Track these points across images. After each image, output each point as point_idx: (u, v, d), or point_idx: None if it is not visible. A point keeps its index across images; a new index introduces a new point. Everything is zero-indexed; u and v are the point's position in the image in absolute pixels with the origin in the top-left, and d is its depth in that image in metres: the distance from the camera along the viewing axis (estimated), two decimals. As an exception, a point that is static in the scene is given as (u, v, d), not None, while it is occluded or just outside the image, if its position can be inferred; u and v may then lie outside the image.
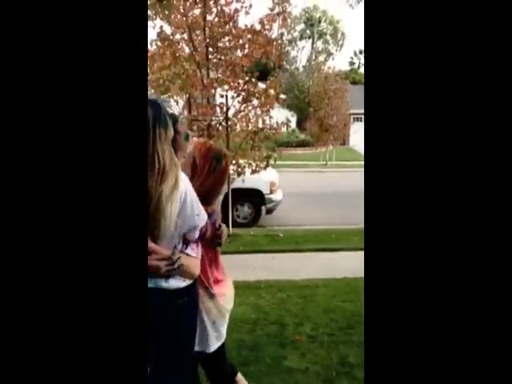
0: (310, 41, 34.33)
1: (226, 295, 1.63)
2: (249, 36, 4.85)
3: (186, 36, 4.86)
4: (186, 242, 1.43)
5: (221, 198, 5.08)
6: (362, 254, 3.43)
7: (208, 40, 4.79)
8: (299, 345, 2.44)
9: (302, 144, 20.27)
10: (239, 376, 1.77)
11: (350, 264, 4.07)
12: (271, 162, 5.46)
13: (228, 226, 5.43)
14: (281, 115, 8.50)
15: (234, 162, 5.12)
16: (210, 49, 4.88)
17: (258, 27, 4.89)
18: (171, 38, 4.83)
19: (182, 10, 4.68)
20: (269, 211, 6.30)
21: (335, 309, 2.93)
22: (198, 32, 4.85)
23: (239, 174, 5.23)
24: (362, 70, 36.68)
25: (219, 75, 5.00)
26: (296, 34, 33.65)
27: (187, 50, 4.97)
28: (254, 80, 5.07)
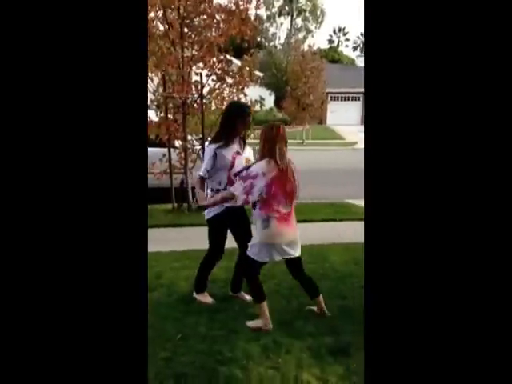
0: (289, 17, 33.93)
1: None
2: (223, 16, 4.98)
3: (160, 14, 4.94)
4: None
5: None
6: (330, 224, 3.79)
7: (182, 18, 4.90)
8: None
9: (280, 123, 20.37)
10: None
11: (318, 233, 4.46)
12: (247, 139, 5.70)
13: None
14: (256, 94, 8.57)
15: (208, 138, 5.33)
16: (185, 28, 4.99)
17: (232, 7, 5.01)
18: (146, 15, 4.90)
19: (156, -12, 4.75)
20: (244, 186, 6.54)
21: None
22: (172, 8, 4.93)
23: (214, 151, 5.44)
24: (341, 48, 36.66)
25: (194, 53, 5.13)
26: (275, 10, 33.16)
27: (161, 27, 5.06)
28: (228, 58, 5.23)
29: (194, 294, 2.77)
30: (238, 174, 2.39)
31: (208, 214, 2.60)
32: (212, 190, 2.57)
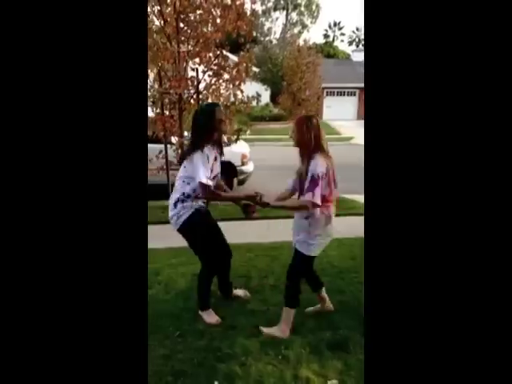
0: (285, 12, 33.75)
1: None
2: (219, 11, 4.93)
3: (156, 8, 4.89)
4: None
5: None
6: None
7: (178, 13, 4.85)
8: (262, 292, 2.80)
9: (276, 118, 20.42)
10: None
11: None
12: (243, 135, 5.70)
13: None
14: (253, 89, 8.56)
15: (205, 134, 5.31)
16: (181, 23, 4.94)
17: (228, 2, 4.97)
18: (141, 10, 4.86)
19: (152, -18, 4.70)
20: (240, 182, 6.57)
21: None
22: (168, 3, 4.88)
23: (211, 147, 5.43)
24: (336, 43, 36.58)
25: (190, 48, 5.08)
26: (270, 5, 32.95)
27: (157, 22, 5.01)
28: (225, 53, 5.20)
29: (200, 311, 2.52)
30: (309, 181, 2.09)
31: (176, 223, 2.34)
32: (183, 194, 2.33)
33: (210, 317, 2.46)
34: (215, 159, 2.41)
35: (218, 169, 2.44)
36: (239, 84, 5.32)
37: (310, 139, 2.10)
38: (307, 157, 2.13)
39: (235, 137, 5.49)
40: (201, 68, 5.14)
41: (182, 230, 2.37)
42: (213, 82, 5.24)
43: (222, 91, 5.33)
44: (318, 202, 2.07)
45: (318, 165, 2.09)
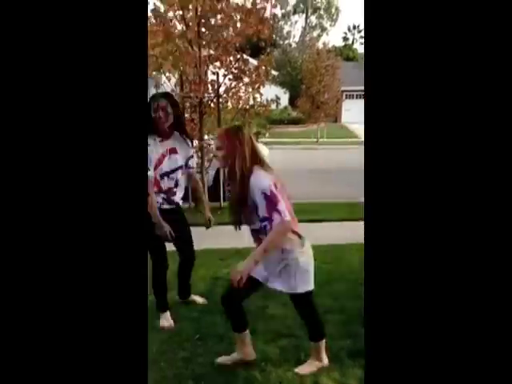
0: (304, 15, 33.71)
1: None
2: (239, 15, 4.97)
3: (178, 14, 4.96)
4: None
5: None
6: (345, 224, 3.73)
7: (200, 18, 4.91)
8: (280, 296, 2.77)
9: (294, 121, 20.36)
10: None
11: (334, 233, 4.41)
12: (261, 138, 5.72)
13: (220, 200, 5.62)
14: (272, 92, 8.61)
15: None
16: (203, 28, 5.00)
17: (249, 6, 5.00)
18: (164, 15, 4.95)
19: (175, -12, 4.78)
20: (259, 186, 6.55)
21: (314, 268, 3.26)
22: (190, 8, 4.94)
23: (230, 150, 5.46)
24: (355, 45, 36.27)
25: (211, 52, 5.14)
26: (289, 9, 32.99)
27: (179, 27, 5.08)
28: (245, 57, 5.23)
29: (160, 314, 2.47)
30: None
31: None
32: None
33: (166, 320, 2.45)
34: (169, 153, 2.31)
35: (172, 165, 2.34)
36: (259, 87, 5.35)
37: (244, 155, 1.76)
38: (242, 177, 1.77)
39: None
40: (221, 72, 5.18)
41: None
42: (233, 85, 5.28)
43: (241, 94, 5.36)
44: (289, 217, 1.70)
45: (260, 179, 1.75)
